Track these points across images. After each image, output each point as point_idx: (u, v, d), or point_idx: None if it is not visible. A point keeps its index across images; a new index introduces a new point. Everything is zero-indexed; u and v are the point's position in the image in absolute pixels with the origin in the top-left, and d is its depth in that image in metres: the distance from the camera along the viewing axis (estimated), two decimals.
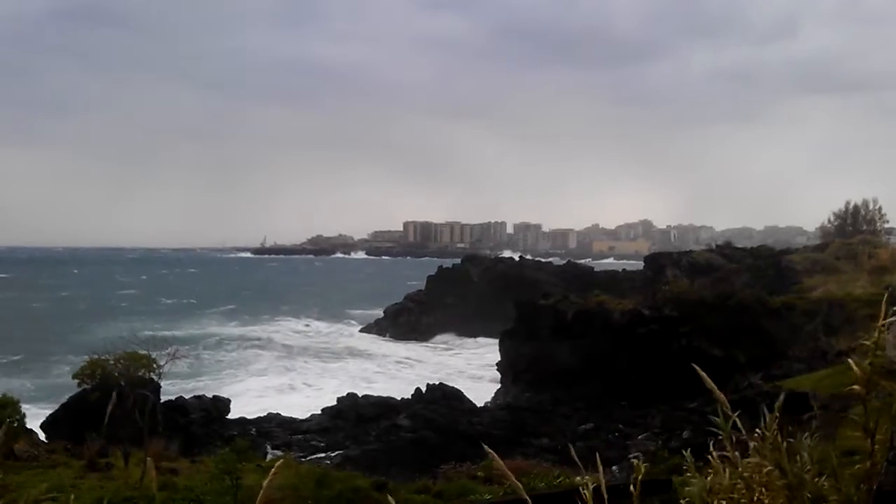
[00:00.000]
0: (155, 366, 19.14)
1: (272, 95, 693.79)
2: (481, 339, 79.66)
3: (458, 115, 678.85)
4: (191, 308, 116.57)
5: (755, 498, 3.66)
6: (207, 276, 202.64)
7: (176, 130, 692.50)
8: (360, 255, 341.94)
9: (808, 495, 3.65)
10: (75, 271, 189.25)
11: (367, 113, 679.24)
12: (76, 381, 20.70)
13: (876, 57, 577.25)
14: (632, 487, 3.88)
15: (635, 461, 3.98)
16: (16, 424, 20.52)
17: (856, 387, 3.72)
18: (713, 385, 3.92)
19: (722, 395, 3.94)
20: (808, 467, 3.77)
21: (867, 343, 3.77)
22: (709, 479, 3.90)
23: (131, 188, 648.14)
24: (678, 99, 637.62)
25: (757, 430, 3.93)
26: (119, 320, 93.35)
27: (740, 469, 3.86)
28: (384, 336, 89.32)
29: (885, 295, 3.89)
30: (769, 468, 3.76)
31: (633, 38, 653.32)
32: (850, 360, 3.84)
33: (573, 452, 4.01)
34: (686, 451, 4.18)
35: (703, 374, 4.03)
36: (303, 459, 33.77)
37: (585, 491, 3.74)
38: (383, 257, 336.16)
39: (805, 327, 44.60)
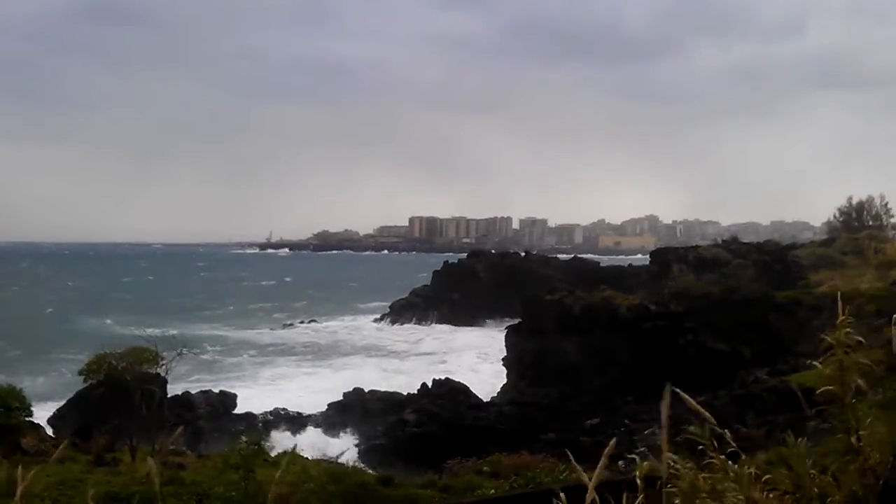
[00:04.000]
0: (162, 362, 19.19)
1: (282, 92, 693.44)
2: (487, 334, 79.71)
3: (467, 111, 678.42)
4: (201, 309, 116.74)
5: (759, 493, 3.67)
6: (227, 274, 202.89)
7: (186, 127, 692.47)
8: (384, 252, 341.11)
9: (815, 490, 3.66)
10: (87, 285, 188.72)
11: (375, 109, 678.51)
12: (83, 378, 20.73)
13: (885, 53, 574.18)
14: (639, 481, 3.89)
15: (637, 458, 3.98)
16: (23, 417, 20.63)
17: (829, 387, 3.74)
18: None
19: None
20: (813, 463, 3.78)
21: (830, 341, 3.78)
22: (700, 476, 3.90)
23: (141, 185, 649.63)
24: (686, 95, 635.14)
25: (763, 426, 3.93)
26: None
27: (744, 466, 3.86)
28: (391, 330, 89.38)
29: (838, 295, 3.90)
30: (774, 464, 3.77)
31: (642, 34, 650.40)
32: (816, 364, 3.86)
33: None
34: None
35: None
36: (308, 454, 33.87)
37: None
38: (391, 252, 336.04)
39: (811, 322, 44.52)
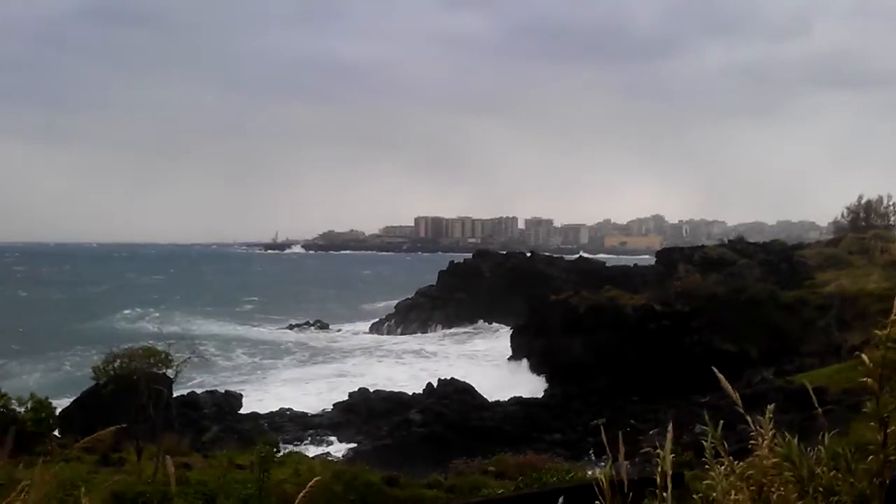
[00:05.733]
0: (172, 362, 19.19)
1: (288, 92, 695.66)
2: (492, 334, 79.67)
3: (473, 112, 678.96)
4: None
5: (766, 491, 3.66)
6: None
7: (192, 128, 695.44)
8: (389, 252, 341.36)
9: (820, 489, 3.64)
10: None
11: (381, 109, 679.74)
12: (92, 375, 20.74)
13: (891, 53, 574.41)
14: (658, 479, 3.87)
15: (659, 451, 3.97)
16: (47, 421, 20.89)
17: (868, 379, 3.70)
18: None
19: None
20: (821, 461, 3.77)
21: (879, 335, 3.75)
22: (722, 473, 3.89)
23: (148, 185, 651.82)
24: (692, 95, 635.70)
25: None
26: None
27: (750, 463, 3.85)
28: (396, 331, 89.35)
29: None
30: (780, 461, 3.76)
31: (649, 35, 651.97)
32: (862, 355, 3.82)
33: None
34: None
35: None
36: (314, 454, 33.89)
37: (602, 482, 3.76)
38: (397, 252, 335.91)
39: (817, 322, 44.45)
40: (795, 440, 3.89)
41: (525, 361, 53.20)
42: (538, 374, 50.89)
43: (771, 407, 4.02)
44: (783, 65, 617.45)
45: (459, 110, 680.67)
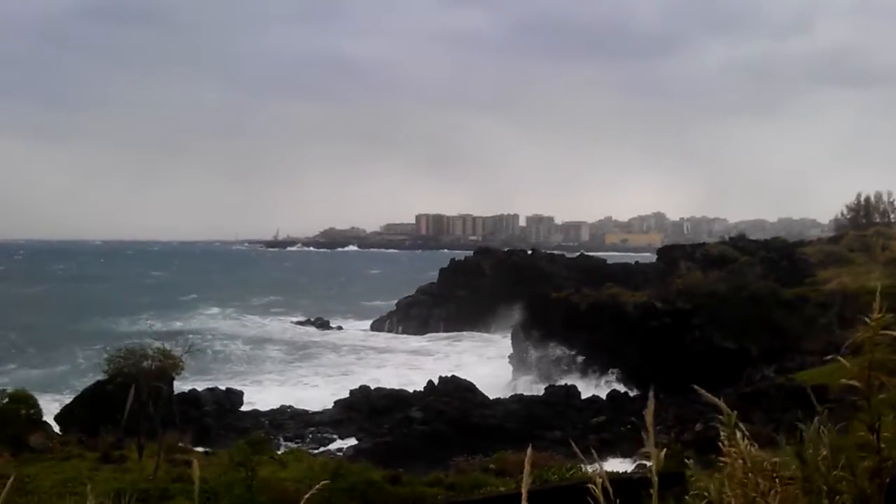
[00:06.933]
0: (173, 359, 19.21)
1: (290, 90, 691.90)
2: (494, 332, 79.59)
3: (474, 109, 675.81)
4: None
5: (770, 489, 3.65)
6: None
7: (194, 126, 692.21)
8: (391, 250, 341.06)
9: (824, 487, 3.63)
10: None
11: (382, 106, 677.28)
12: (104, 370, 20.74)
13: (893, 51, 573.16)
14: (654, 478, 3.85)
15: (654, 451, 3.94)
16: (32, 414, 20.82)
17: (856, 383, 3.69)
18: None
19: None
20: (823, 458, 3.76)
21: (861, 338, 3.73)
22: (725, 471, 3.88)
23: (149, 183, 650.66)
24: (693, 92, 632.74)
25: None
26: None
27: (753, 461, 3.84)
28: (397, 328, 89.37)
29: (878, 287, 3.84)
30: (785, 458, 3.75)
31: (651, 32, 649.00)
32: (839, 358, 3.81)
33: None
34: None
35: None
36: (315, 452, 33.94)
37: (596, 485, 3.74)
38: (398, 249, 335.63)
39: (819, 320, 44.42)
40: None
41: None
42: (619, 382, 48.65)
43: None
44: (785, 62, 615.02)
45: (460, 108, 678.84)
